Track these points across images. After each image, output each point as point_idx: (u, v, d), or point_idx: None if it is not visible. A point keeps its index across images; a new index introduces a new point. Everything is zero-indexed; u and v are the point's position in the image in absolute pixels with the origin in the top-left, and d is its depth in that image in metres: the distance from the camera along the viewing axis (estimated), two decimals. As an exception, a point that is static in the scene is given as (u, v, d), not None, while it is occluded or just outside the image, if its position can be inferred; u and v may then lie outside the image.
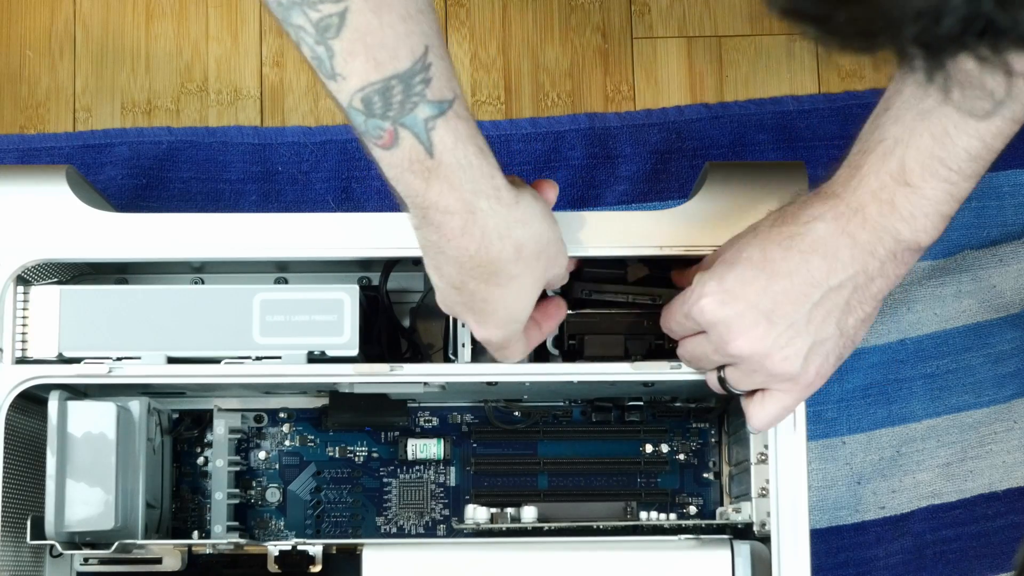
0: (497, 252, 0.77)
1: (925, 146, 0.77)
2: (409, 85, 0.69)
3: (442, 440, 1.07)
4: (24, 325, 0.94)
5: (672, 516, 1.00)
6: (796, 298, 0.81)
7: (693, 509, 1.07)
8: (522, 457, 1.08)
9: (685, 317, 0.85)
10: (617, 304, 0.96)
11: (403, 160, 0.72)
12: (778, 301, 0.81)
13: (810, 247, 0.80)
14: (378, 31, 0.67)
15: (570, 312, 0.96)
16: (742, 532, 0.98)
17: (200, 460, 1.07)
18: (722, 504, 1.07)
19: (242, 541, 0.99)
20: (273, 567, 0.98)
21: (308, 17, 0.66)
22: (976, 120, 0.75)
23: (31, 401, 0.96)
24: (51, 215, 0.93)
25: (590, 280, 0.96)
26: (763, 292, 0.81)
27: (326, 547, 0.98)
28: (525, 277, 0.80)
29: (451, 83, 0.71)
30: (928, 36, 0.46)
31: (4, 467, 0.92)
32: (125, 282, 1.02)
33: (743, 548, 0.94)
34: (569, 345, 0.97)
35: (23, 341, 0.94)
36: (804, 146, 1.20)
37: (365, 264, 1.03)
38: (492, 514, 0.98)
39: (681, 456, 1.08)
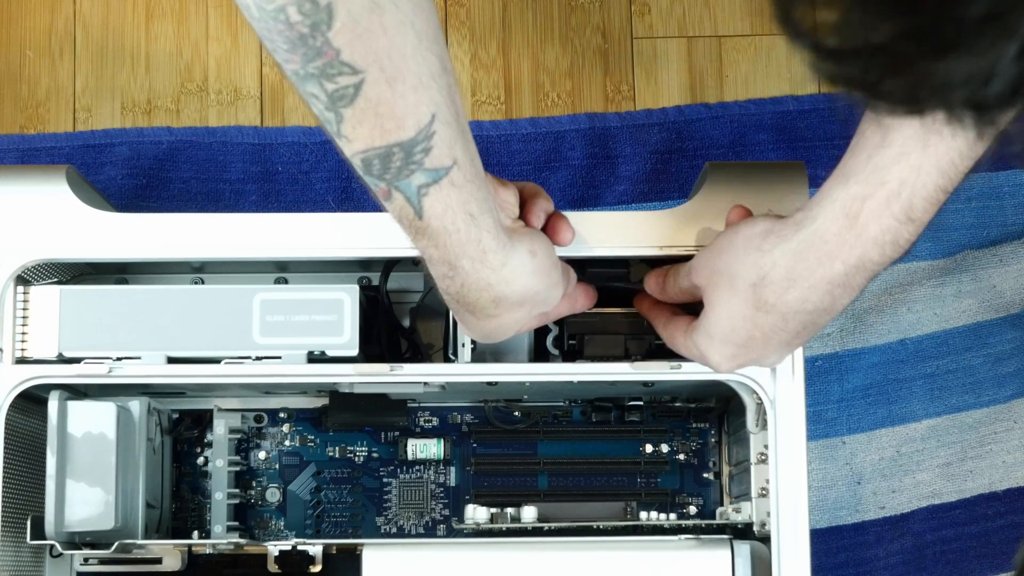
0: (474, 300, 0.79)
1: (932, 182, 0.76)
2: (409, 153, 0.70)
3: (442, 440, 1.07)
4: (24, 325, 0.94)
5: (672, 516, 1.00)
6: (793, 340, 0.84)
7: (693, 509, 1.07)
8: (522, 457, 1.08)
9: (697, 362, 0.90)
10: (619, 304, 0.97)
11: (395, 213, 0.74)
12: (781, 351, 0.86)
13: (809, 317, 0.82)
14: (389, 101, 0.67)
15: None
16: (742, 532, 0.98)
17: (200, 460, 1.07)
18: (722, 504, 1.07)
19: (242, 541, 0.99)
20: (273, 567, 0.98)
21: (323, 88, 0.67)
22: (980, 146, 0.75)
23: (31, 401, 0.96)
24: (51, 215, 0.93)
25: (593, 280, 0.97)
26: (767, 352, 0.85)
27: (326, 547, 0.98)
28: (504, 318, 0.82)
29: (452, 150, 0.71)
30: (978, 98, 0.45)
31: (4, 467, 0.92)
32: (125, 282, 1.02)
33: (743, 548, 0.94)
34: (569, 345, 0.97)
35: (23, 341, 0.94)
36: (804, 146, 1.20)
37: (365, 264, 1.03)
38: (492, 514, 0.98)
39: (681, 456, 1.08)
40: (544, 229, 0.86)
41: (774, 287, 0.80)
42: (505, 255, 0.78)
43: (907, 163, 0.76)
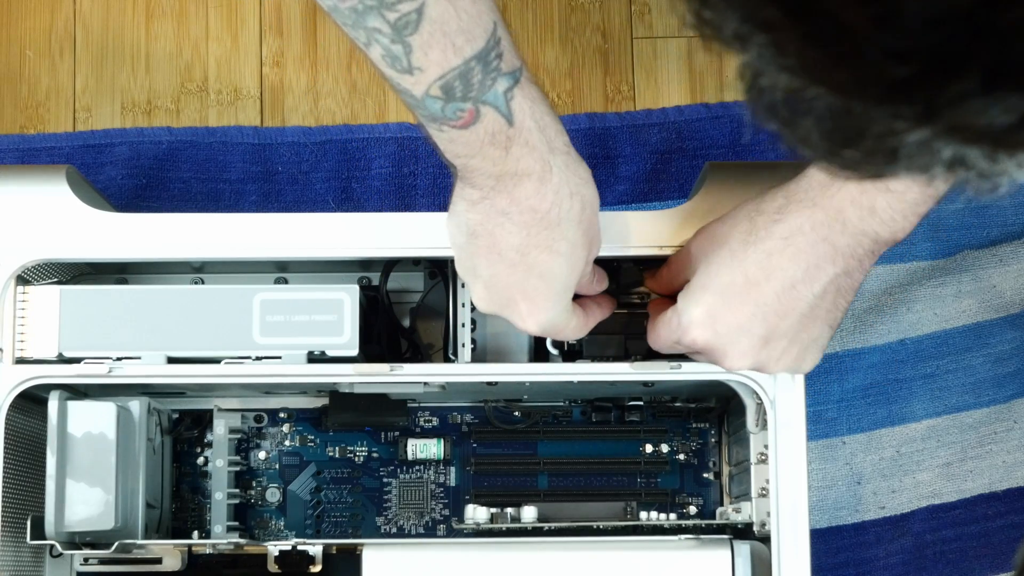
0: (567, 210, 0.78)
1: None
2: (487, 63, 0.70)
3: (442, 440, 1.07)
4: (24, 325, 0.94)
5: (672, 516, 1.00)
6: (785, 313, 0.82)
7: (693, 509, 1.07)
8: (522, 457, 1.08)
9: (675, 343, 0.87)
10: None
11: (483, 135, 0.73)
12: (769, 321, 0.82)
13: (791, 262, 0.81)
14: (454, 18, 0.68)
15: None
16: (742, 532, 0.98)
17: (200, 460, 1.07)
18: (722, 504, 1.07)
19: (242, 541, 0.99)
20: (273, 567, 0.98)
21: (385, 19, 0.66)
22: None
23: (31, 401, 0.96)
24: (51, 215, 0.93)
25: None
26: (752, 316, 0.82)
27: (326, 547, 0.98)
28: (580, 246, 0.81)
29: (516, 51, 0.73)
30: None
31: (4, 467, 0.92)
32: (125, 282, 1.02)
33: (743, 548, 0.94)
34: (569, 345, 0.97)
35: (23, 341, 0.94)
36: (804, 146, 1.19)
37: (365, 264, 1.03)
38: (492, 514, 0.98)
39: (681, 456, 1.08)
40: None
41: (763, 217, 0.81)
42: (576, 153, 0.79)
43: None
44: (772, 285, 0.81)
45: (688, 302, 0.84)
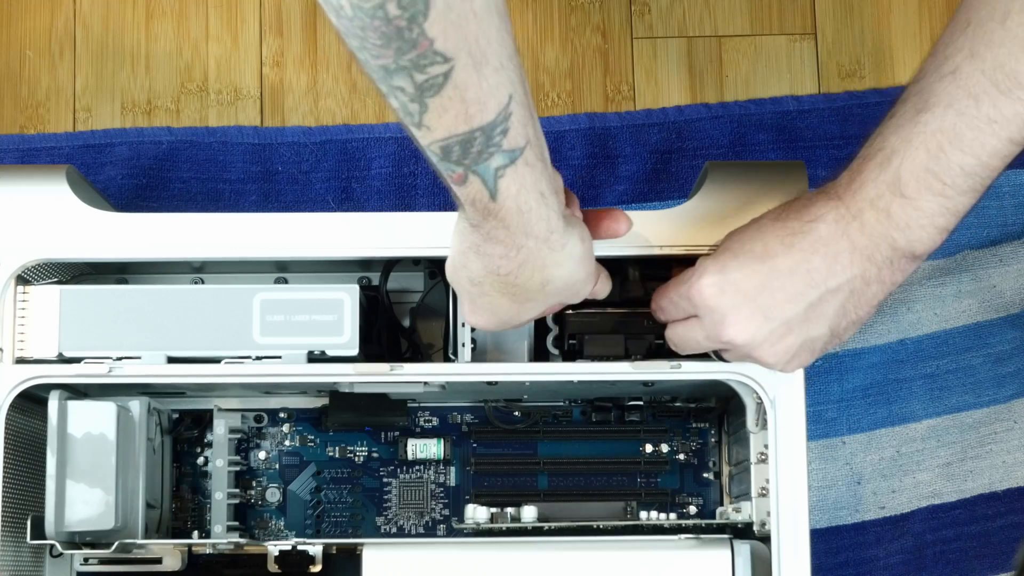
0: (525, 280, 0.80)
1: (920, 160, 0.77)
2: (490, 136, 0.70)
3: (442, 440, 1.07)
4: (24, 325, 0.94)
5: (672, 516, 1.00)
6: (793, 297, 0.82)
7: (693, 509, 1.07)
8: (522, 457, 1.08)
9: (680, 297, 0.87)
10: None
11: (467, 196, 0.74)
12: (776, 298, 0.82)
13: (811, 246, 0.81)
14: (475, 86, 0.67)
15: (570, 312, 0.96)
16: (742, 532, 0.98)
17: (200, 460, 1.07)
18: (722, 504, 1.07)
19: (242, 541, 0.99)
20: (273, 567, 0.98)
21: (413, 79, 0.66)
22: (970, 138, 0.75)
23: (31, 401, 0.96)
24: (51, 215, 0.93)
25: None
26: (762, 287, 0.82)
27: (326, 547, 0.98)
28: (539, 303, 0.83)
29: (525, 129, 0.72)
30: None
31: (4, 467, 0.92)
32: (125, 282, 1.02)
33: (743, 548, 0.94)
34: (569, 345, 0.97)
35: (23, 341, 0.94)
36: (804, 146, 1.20)
37: (365, 264, 1.03)
38: (492, 514, 0.98)
39: (681, 456, 1.08)
40: (594, 220, 0.87)
41: (794, 204, 0.83)
42: (565, 238, 0.79)
43: (900, 135, 0.78)
44: (788, 261, 0.82)
45: (707, 259, 0.85)
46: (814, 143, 1.20)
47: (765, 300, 0.82)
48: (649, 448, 1.08)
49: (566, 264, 0.80)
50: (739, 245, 0.84)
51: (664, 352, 0.96)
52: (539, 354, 0.99)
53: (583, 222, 0.83)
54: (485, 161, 0.71)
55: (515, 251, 0.77)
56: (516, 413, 1.08)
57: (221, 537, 1.01)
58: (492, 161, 0.71)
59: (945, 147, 0.77)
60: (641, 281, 0.96)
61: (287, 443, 1.08)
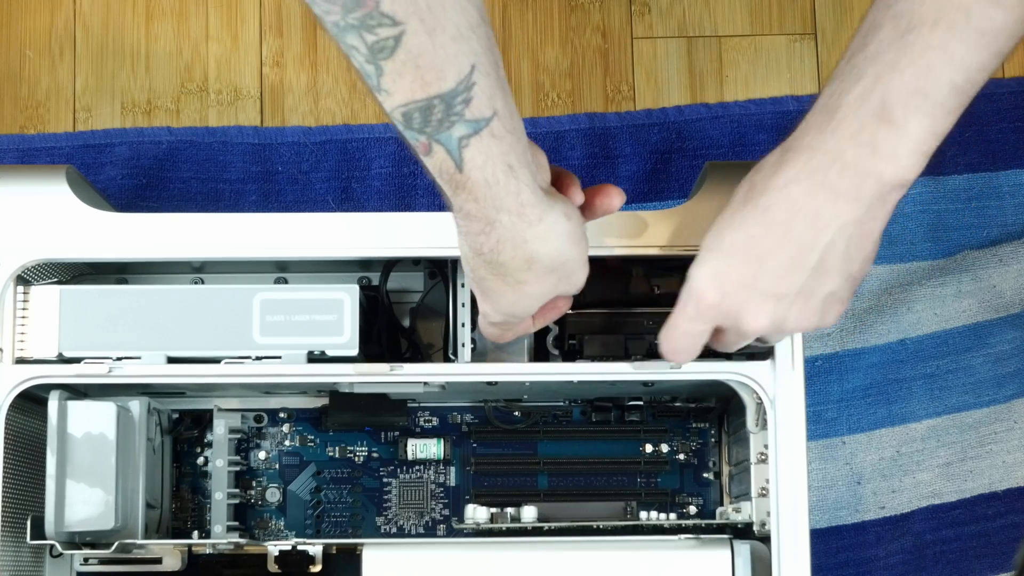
0: (508, 258, 0.79)
1: (908, 82, 0.74)
2: (450, 105, 0.70)
3: (442, 440, 1.07)
4: (24, 325, 0.94)
5: (672, 516, 1.00)
6: (794, 267, 0.80)
7: (693, 509, 1.07)
8: (522, 457, 1.08)
9: (691, 320, 0.84)
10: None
11: (435, 168, 0.74)
12: (777, 276, 0.80)
13: (789, 214, 0.78)
14: (430, 52, 0.68)
15: (570, 312, 0.96)
16: (742, 532, 0.98)
17: (200, 460, 1.07)
18: (722, 504, 1.07)
19: (242, 541, 0.99)
20: (273, 567, 0.98)
21: (363, 39, 0.67)
22: (961, 53, 0.73)
23: (31, 401, 0.96)
24: (51, 215, 0.93)
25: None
26: (758, 274, 0.80)
27: (326, 547, 0.98)
28: (532, 285, 0.82)
29: (492, 100, 0.72)
30: None
31: (4, 467, 0.92)
32: (125, 282, 1.02)
33: (743, 548, 0.94)
34: (569, 345, 0.97)
35: (23, 341, 0.94)
36: (804, 146, 1.19)
37: (365, 264, 1.03)
38: (492, 514, 0.98)
39: (681, 456, 1.08)
40: (587, 200, 0.85)
41: (761, 173, 0.80)
42: (542, 211, 0.78)
43: (882, 60, 0.74)
44: (772, 238, 0.79)
45: (693, 266, 0.83)
46: (814, 143, 1.19)
47: (767, 283, 0.80)
48: (649, 448, 1.08)
49: (550, 239, 0.79)
50: (718, 242, 0.81)
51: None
52: (539, 354, 0.99)
53: (571, 201, 0.83)
54: (447, 130, 0.71)
55: (489, 226, 0.77)
56: (516, 413, 1.08)
57: (221, 537, 1.01)
58: (455, 130, 0.71)
59: (935, 64, 0.73)
60: (646, 278, 0.96)
61: (287, 443, 1.08)
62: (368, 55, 0.68)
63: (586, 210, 0.85)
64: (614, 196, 0.86)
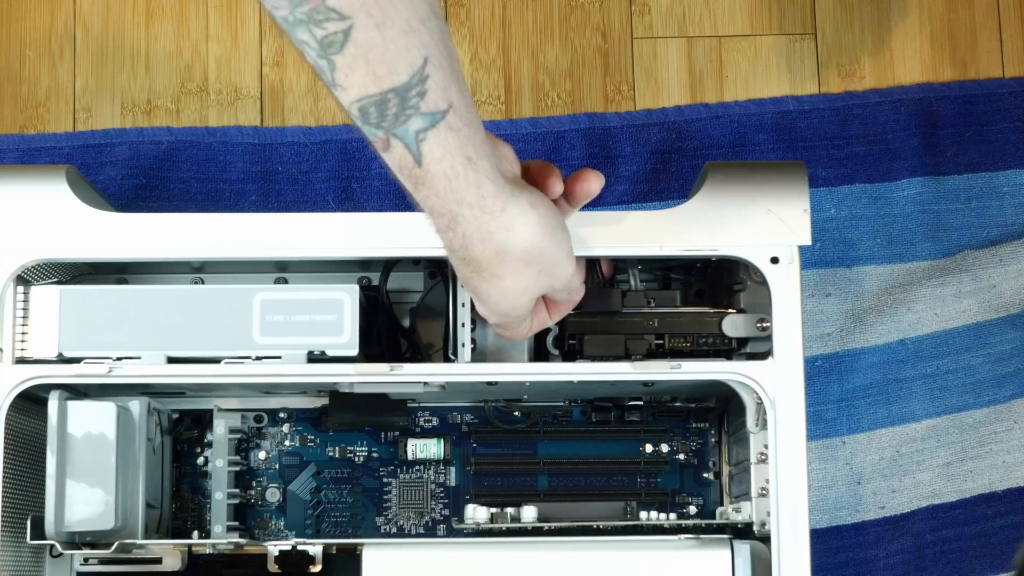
0: (478, 253, 0.79)
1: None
2: (405, 98, 0.71)
3: (442, 440, 1.07)
4: (24, 325, 0.94)
5: (672, 516, 1.00)
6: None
7: (693, 509, 1.07)
8: (522, 457, 1.08)
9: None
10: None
11: (394, 164, 0.74)
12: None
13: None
14: (380, 46, 0.68)
15: (570, 312, 0.96)
16: (742, 532, 0.98)
17: (200, 460, 1.07)
18: (722, 504, 1.07)
19: (242, 541, 0.99)
20: (273, 567, 0.98)
21: (313, 34, 0.68)
22: None
23: (31, 401, 0.96)
24: (51, 215, 0.93)
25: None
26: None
27: (326, 547, 0.98)
28: (511, 280, 0.81)
29: (447, 92, 0.72)
30: None
31: (4, 467, 0.92)
32: (125, 282, 1.02)
33: (743, 548, 0.94)
34: (569, 345, 0.97)
35: (23, 341, 0.94)
36: (804, 146, 1.20)
37: (365, 264, 1.03)
38: (492, 514, 0.98)
39: (681, 456, 1.08)
40: (568, 190, 0.85)
41: None
42: (504, 201, 0.77)
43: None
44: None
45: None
46: (814, 143, 1.20)
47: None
48: (649, 448, 1.08)
49: (517, 229, 0.79)
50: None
51: (664, 352, 0.97)
52: (539, 354, 0.99)
53: (547, 192, 0.82)
54: (403, 124, 0.71)
55: (454, 221, 0.77)
56: (516, 413, 1.08)
57: (221, 537, 1.01)
58: (411, 124, 0.72)
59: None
60: (643, 293, 0.96)
61: (287, 443, 1.08)
62: (319, 50, 0.68)
63: (569, 198, 0.85)
64: (592, 180, 0.86)
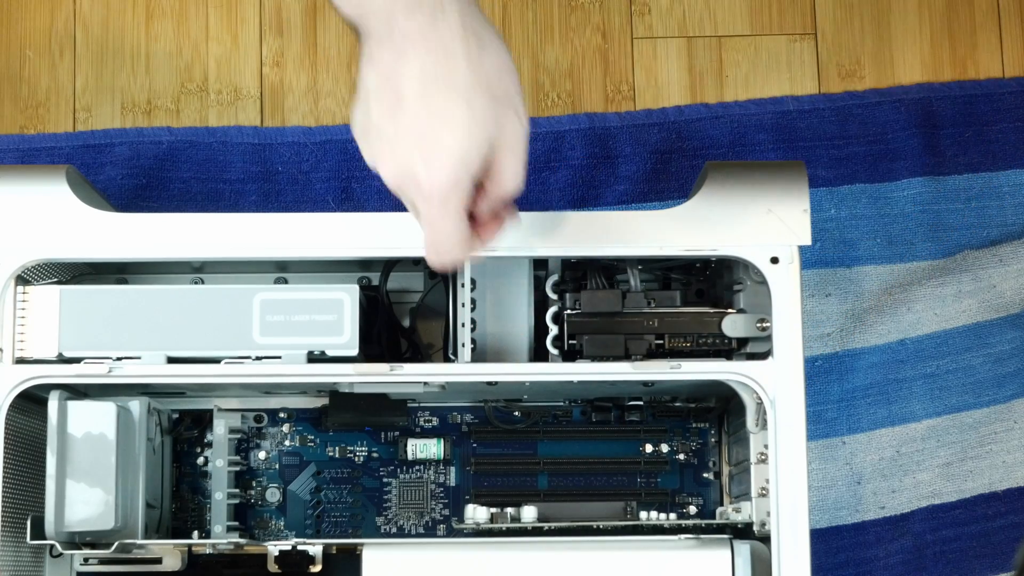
0: (462, 41, 0.76)
1: None
2: None
3: (442, 440, 1.07)
4: (24, 325, 0.94)
5: (672, 516, 1.00)
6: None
7: (693, 509, 1.07)
8: (522, 457, 1.08)
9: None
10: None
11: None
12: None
13: None
14: None
15: (570, 312, 0.96)
16: (742, 532, 0.98)
17: (200, 460, 1.07)
18: (722, 504, 1.07)
19: (242, 541, 0.99)
20: (273, 567, 0.98)
21: None
22: None
23: (31, 401, 0.96)
24: (51, 215, 0.93)
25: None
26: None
27: (326, 547, 0.98)
28: (481, 93, 0.76)
29: None
30: None
31: (4, 467, 0.92)
32: (125, 282, 1.02)
33: (743, 548, 0.94)
34: (569, 345, 0.97)
35: (23, 341, 0.94)
36: (804, 146, 1.20)
37: (365, 264, 1.03)
38: (492, 514, 0.98)
39: (681, 456, 1.08)
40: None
41: None
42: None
43: None
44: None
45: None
46: (814, 143, 1.20)
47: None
48: (649, 448, 1.08)
49: (495, 34, 0.76)
50: None
51: (664, 352, 0.96)
52: (539, 354, 0.99)
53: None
54: None
55: (440, 12, 0.74)
56: (516, 413, 1.08)
57: (221, 537, 1.01)
58: None
59: None
60: (643, 294, 0.96)
61: (287, 443, 1.08)
62: None
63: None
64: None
